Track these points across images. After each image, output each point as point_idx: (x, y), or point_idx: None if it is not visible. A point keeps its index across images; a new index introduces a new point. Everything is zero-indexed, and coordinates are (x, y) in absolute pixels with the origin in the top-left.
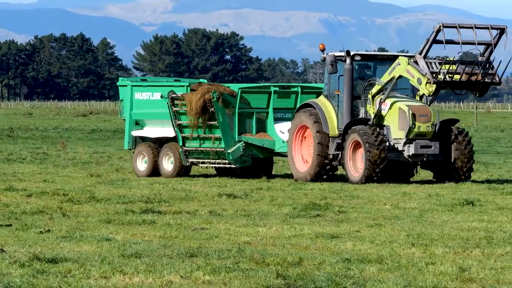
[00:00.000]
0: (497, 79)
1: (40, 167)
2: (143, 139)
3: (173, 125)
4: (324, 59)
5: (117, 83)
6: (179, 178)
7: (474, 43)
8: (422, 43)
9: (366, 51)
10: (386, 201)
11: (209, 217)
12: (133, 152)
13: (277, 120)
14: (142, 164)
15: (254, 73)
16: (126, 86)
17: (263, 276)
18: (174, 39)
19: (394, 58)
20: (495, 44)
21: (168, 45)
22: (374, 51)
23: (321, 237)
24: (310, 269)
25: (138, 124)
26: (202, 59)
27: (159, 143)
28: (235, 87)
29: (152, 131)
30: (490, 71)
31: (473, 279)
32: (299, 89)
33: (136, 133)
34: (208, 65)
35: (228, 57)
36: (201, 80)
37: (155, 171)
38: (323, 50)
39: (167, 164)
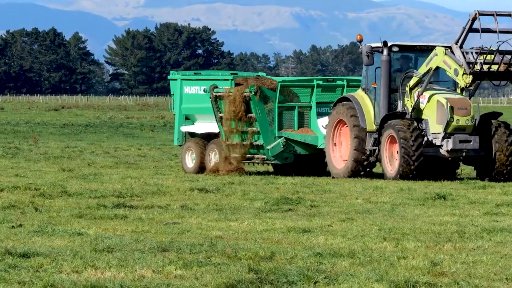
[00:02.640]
0: None
1: (12, 162)
2: (192, 134)
3: (216, 120)
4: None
5: (168, 77)
6: (151, 173)
7: None
8: (395, 37)
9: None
10: (358, 196)
11: (181, 211)
12: (182, 148)
13: (322, 115)
14: (190, 161)
15: (226, 67)
16: (176, 80)
17: (235, 270)
18: (146, 33)
19: (433, 48)
20: None
21: (140, 39)
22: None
23: (293, 231)
24: (282, 263)
25: (189, 119)
26: (174, 53)
27: (208, 139)
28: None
29: (200, 126)
30: None
31: (445, 273)
32: (345, 82)
33: (184, 128)
34: (180, 60)
35: (200, 51)
36: (259, 73)
37: (202, 167)
38: (360, 41)
39: (213, 160)
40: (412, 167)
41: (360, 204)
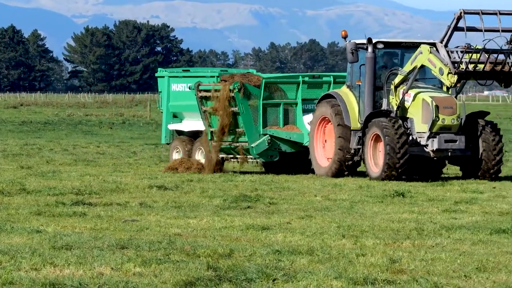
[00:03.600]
0: None
1: None
2: (179, 132)
3: (202, 118)
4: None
5: (156, 74)
6: (110, 170)
7: (498, 30)
8: (353, 34)
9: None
10: (317, 193)
11: (139, 209)
12: (170, 147)
13: (308, 112)
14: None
15: (185, 65)
16: (163, 77)
17: (193, 267)
18: (105, 30)
19: (419, 45)
20: None
21: (99, 37)
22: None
23: (251, 229)
24: (240, 261)
25: (176, 117)
26: (133, 50)
27: (195, 137)
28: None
29: (187, 124)
30: None
31: (403, 271)
32: (332, 79)
33: (172, 126)
34: (139, 57)
35: (159, 48)
36: (250, 70)
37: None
38: (345, 38)
39: (199, 158)
40: (397, 166)
41: (319, 202)
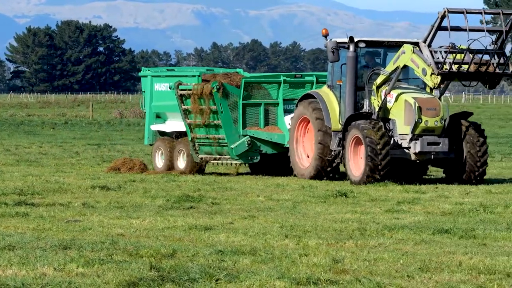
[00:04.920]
0: (510, 70)
1: None
2: (162, 133)
3: (182, 118)
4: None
5: (139, 74)
6: (52, 171)
7: (483, 30)
8: (295, 34)
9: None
10: (260, 193)
11: (82, 209)
12: (153, 148)
13: (290, 112)
14: (160, 160)
15: (127, 65)
16: (146, 76)
17: (136, 268)
18: (47, 31)
19: (402, 44)
20: (508, 31)
21: (41, 37)
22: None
23: (194, 229)
24: (183, 261)
25: (160, 117)
26: (75, 51)
27: (178, 138)
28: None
29: (170, 125)
30: (501, 61)
31: (346, 271)
32: (314, 78)
33: (154, 127)
34: (81, 57)
35: (101, 49)
36: (237, 69)
37: (172, 167)
38: (326, 36)
39: (181, 160)
40: (379, 169)
41: (262, 202)
